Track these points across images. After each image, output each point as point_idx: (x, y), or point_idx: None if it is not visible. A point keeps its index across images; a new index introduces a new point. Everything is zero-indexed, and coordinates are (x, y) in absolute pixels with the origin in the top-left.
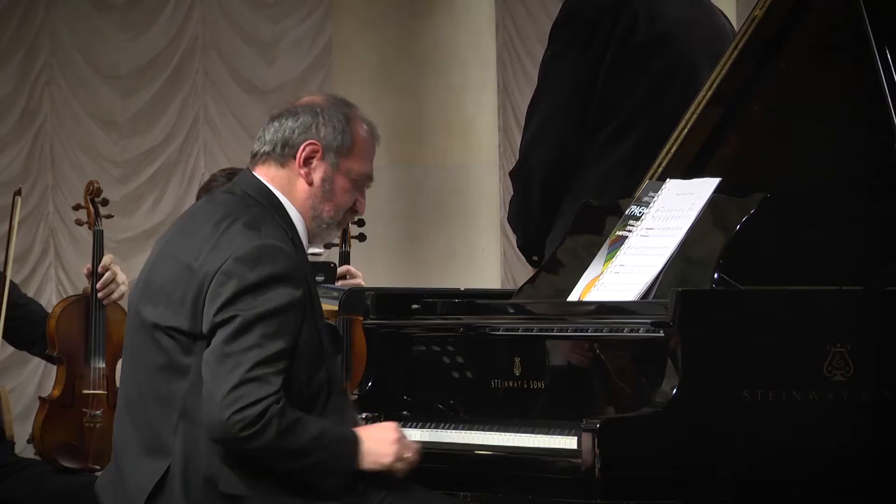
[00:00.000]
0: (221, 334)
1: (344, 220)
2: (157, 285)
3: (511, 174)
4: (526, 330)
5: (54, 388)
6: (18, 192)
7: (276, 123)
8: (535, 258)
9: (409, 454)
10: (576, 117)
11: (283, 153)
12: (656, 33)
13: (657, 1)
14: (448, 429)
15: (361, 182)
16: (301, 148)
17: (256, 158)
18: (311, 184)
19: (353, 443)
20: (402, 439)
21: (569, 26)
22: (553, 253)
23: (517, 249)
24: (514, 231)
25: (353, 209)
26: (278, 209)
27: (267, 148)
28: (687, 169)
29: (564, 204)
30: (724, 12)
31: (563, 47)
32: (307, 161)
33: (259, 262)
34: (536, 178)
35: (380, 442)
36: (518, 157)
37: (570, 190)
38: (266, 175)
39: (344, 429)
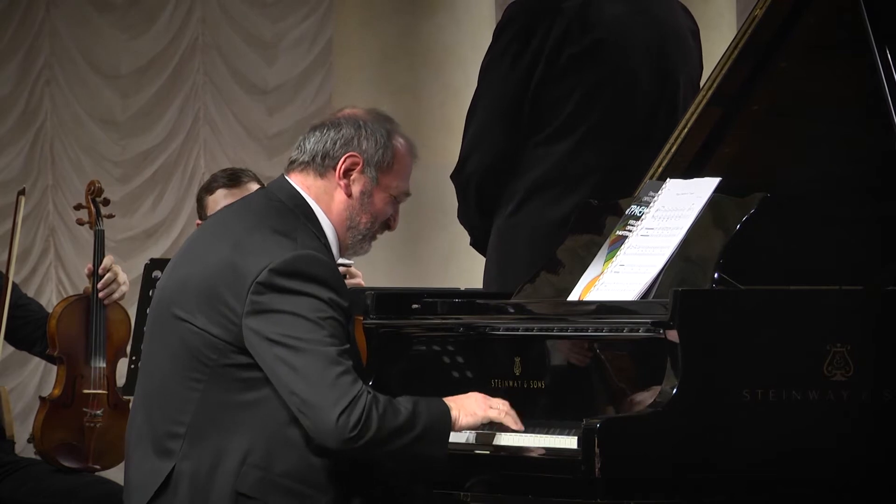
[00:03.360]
0: (284, 337)
1: (376, 234)
2: (191, 286)
3: (451, 178)
4: (526, 330)
5: (54, 387)
6: (22, 192)
7: (317, 133)
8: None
9: (499, 403)
10: (510, 125)
11: (323, 164)
12: (591, 41)
13: (594, 6)
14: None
15: (399, 198)
16: (342, 160)
17: (294, 166)
18: (349, 195)
19: (442, 403)
20: (486, 397)
21: (505, 34)
22: (553, 253)
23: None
24: (465, 229)
25: (387, 224)
26: (310, 218)
27: (306, 157)
28: (687, 168)
29: (500, 207)
30: (724, 12)
31: (498, 54)
32: (347, 173)
33: (297, 273)
34: (472, 184)
35: (467, 398)
36: (457, 162)
37: (504, 194)
38: (302, 183)
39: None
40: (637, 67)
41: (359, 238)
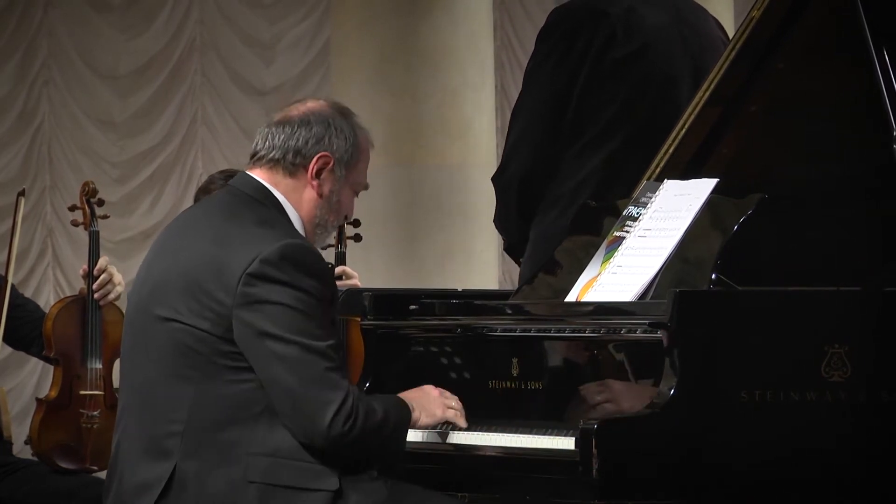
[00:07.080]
0: (276, 330)
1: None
2: (171, 285)
3: (492, 180)
4: (524, 331)
5: (51, 388)
6: (22, 193)
7: (287, 130)
8: (522, 259)
9: (453, 402)
10: (551, 128)
11: (294, 162)
12: (634, 46)
13: (637, 12)
14: (446, 429)
15: (360, 190)
16: (314, 159)
17: (261, 161)
18: (320, 195)
19: (405, 404)
20: (441, 392)
21: (549, 37)
22: (551, 254)
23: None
24: (500, 233)
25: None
26: (280, 212)
27: (276, 154)
28: (685, 169)
29: (539, 213)
30: (723, 13)
31: (542, 58)
32: (318, 173)
33: (287, 262)
34: (513, 186)
35: (425, 397)
36: (499, 164)
37: (544, 199)
38: (270, 179)
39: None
40: (677, 75)
41: (325, 235)
